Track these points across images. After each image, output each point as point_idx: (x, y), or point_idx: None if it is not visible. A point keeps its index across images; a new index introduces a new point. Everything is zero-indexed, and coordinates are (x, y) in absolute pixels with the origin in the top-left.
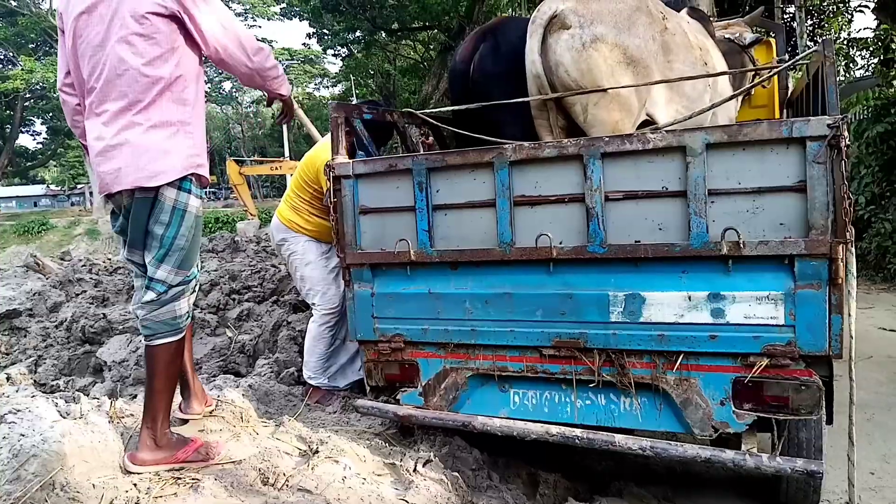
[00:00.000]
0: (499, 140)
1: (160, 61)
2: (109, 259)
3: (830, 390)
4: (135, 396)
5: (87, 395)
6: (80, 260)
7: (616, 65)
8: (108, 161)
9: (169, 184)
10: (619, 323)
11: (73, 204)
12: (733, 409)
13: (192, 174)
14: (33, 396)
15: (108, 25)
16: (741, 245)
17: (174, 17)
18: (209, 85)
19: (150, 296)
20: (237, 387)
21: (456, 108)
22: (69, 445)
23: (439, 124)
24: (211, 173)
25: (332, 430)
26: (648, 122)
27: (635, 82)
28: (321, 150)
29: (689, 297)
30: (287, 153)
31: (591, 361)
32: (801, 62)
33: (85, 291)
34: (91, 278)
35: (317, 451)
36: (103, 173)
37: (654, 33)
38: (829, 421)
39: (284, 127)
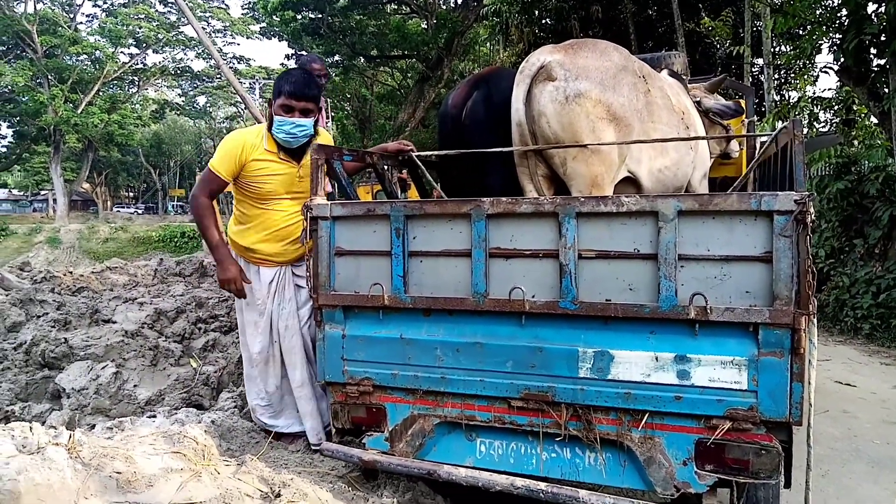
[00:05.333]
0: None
1: None
2: (70, 272)
3: (789, 454)
4: (93, 426)
5: (44, 424)
6: (42, 272)
7: (598, 120)
8: None
9: None
10: (588, 379)
11: (35, 210)
12: (695, 469)
13: None
14: None
15: None
16: (708, 310)
17: None
18: (183, 98)
19: None
20: (199, 422)
21: (439, 153)
22: (25, 484)
23: (419, 164)
24: (180, 187)
25: (294, 472)
26: (630, 178)
27: (617, 139)
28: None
29: (657, 358)
30: None
31: (559, 415)
32: (769, 135)
33: (47, 313)
34: (54, 300)
35: (279, 495)
36: None
37: (639, 93)
38: (787, 485)
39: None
